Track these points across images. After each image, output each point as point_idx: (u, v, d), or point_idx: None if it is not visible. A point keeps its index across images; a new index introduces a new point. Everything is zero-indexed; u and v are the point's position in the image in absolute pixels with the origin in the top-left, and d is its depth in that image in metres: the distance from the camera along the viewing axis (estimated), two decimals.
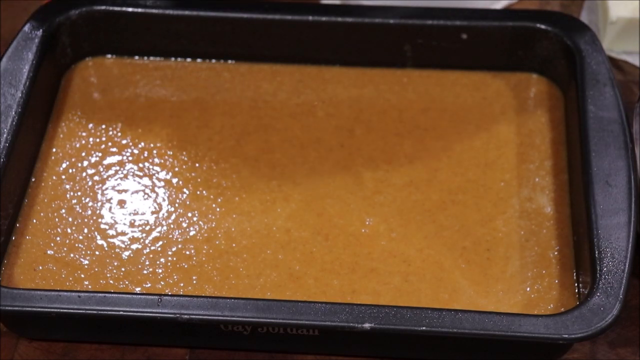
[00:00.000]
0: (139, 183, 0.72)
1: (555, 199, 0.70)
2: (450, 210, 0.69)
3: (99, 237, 0.68)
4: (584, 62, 0.71)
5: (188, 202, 0.70)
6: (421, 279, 0.66)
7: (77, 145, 0.73)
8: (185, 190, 0.71)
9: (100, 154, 0.73)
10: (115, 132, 0.74)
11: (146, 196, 0.71)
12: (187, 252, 0.68)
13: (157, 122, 0.75)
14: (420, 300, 0.65)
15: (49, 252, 0.68)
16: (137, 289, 0.66)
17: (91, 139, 0.74)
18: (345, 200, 0.70)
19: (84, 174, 0.72)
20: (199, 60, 0.78)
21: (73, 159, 0.73)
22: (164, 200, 0.70)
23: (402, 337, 0.62)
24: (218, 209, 0.70)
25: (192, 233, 0.69)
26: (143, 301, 0.61)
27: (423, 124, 0.74)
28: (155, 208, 0.70)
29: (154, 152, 0.73)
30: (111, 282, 0.66)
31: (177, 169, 0.72)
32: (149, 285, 0.66)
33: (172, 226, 0.69)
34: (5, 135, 0.68)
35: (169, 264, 0.67)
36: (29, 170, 0.71)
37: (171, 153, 0.73)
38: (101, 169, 0.72)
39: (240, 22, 0.76)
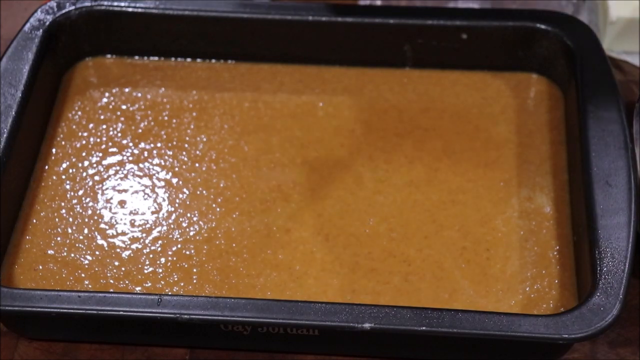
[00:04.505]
0: (139, 183, 0.72)
1: (555, 199, 0.70)
2: (450, 210, 0.69)
3: (99, 237, 0.68)
4: (584, 62, 0.71)
5: (188, 202, 0.70)
6: (421, 279, 0.66)
7: (77, 145, 0.73)
8: (185, 190, 0.71)
9: (100, 154, 0.73)
10: (115, 132, 0.74)
11: (146, 196, 0.71)
12: (187, 252, 0.68)
13: (157, 122, 0.75)
14: (420, 300, 0.65)
15: (49, 252, 0.68)
16: (137, 289, 0.66)
17: (91, 139, 0.74)
18: (345, 200, 0.70)
19: (84, 174, 0.72)
20: (199, 60, 0.78)
21: (73, 159, 0.73)
22: (164, 200, 0.70)
23: (402, 337, 0.62)
24: (218, 209, 0.70)
25: (192, 233, 0.69)
26: (143, 301, 0.61)
27: (423, 124, 0.74)
28: (155, 208, 0.70)
29: (154, 152, 0.73)
30: (111, 281, 0.66)
31: (177, 169, 0.72)
32: (149, 285, 0.66)
33: (172, 226, 0.69)
34: (5, 135, 0.68)
35: (169, 263, 0.67)
36: (29, 170, 0.71)
37: (171, 153, 0.73)
38: (101, 169, 0.72)
39: (240, 22, 0.76)
